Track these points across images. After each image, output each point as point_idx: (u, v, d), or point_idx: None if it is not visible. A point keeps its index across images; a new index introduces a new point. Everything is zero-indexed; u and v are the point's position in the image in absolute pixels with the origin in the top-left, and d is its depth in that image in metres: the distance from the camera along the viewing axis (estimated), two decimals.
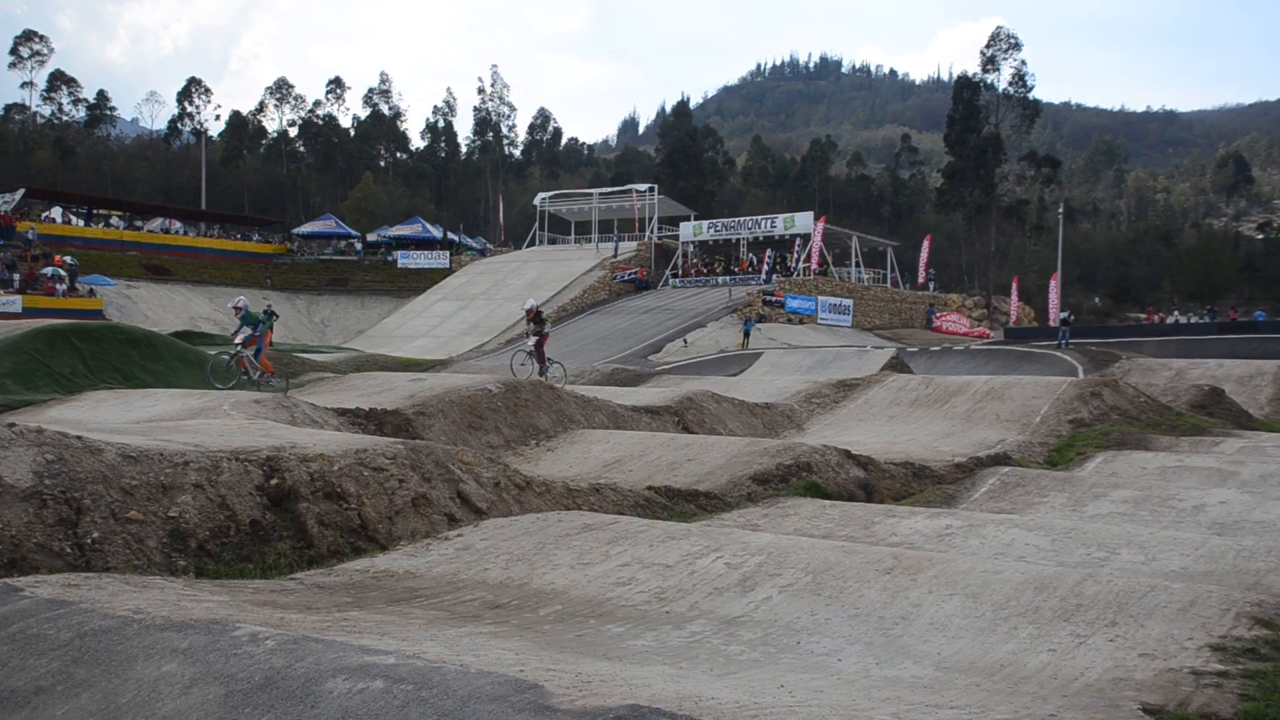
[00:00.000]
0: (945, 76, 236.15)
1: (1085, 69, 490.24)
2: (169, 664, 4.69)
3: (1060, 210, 70.25)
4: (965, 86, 77.41)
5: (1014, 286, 64.80)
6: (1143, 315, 67.94)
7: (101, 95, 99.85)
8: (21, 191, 60.00)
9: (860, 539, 9.30)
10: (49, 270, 48.15)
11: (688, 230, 67.42)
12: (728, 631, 6.28)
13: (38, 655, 4.92)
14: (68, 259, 50.42)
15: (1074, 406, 20.02)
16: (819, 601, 6.72)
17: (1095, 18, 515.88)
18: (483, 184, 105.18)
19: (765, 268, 60.83)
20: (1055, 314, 50.28)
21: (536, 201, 76.32)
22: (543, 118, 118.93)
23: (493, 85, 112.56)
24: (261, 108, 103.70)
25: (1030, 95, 76.65)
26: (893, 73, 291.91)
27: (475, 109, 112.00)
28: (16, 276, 46.55)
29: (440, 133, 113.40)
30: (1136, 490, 13.15)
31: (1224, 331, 45.17)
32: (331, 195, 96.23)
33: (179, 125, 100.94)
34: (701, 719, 3.99)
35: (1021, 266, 79.05)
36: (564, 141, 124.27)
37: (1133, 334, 48.22)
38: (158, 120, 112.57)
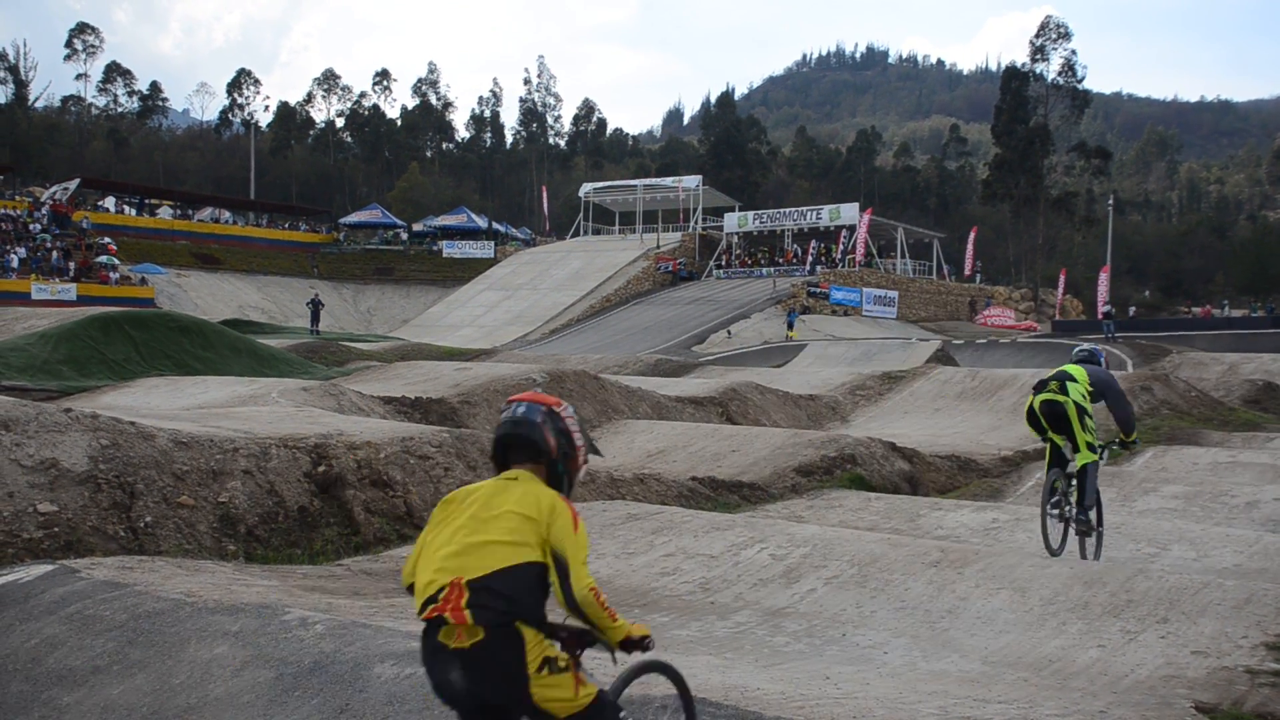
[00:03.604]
0: (993, 67, 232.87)
1: (1137, 59, 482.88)
2: (221, 646, 4.76)
3: (1110, 202, 69.19)
4: (1014, 77, 76.40)
5: (1061, 279, 63.97)
6: (1185, 309, 66.40)
7: (154, 86, 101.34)
8: (77, 181, 61.04)
9: (906, 532, 9.24)
10: (103, 259, 48.97)
11: (732, 221, 67.20)
12: (773, 623, 6.26)
13: (94, 635, 5.02)
14: (105, 240, 51.34)
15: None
16: (864, 594, 6.69)
17: (1148, 6, 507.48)
18: (528, 174, 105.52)
19: (810, 259, 60.50)
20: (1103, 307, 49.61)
21: (581, 192, 76.40)
22: (588, 108, 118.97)
23: (539, 76, 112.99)
24: (309, 99, 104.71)
25: (1080, 85, 75.49)
26: (940, 63, 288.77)
27: (521, 100, 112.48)
28: (72, 265, 47.37)
29: (486, 123, 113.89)
30: (1187, 486, 12.96)
31: (1279, 325, 44.30)
32: (378, 185, 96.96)
33: (229, 116, 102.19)
34: (748, 709, 3.99)
35: (1070, 259, 77.95)
36: (609, 132, 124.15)
37: (1184, 327, 47.43)
38: (208, 111, 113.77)
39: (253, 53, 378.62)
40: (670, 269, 62.23)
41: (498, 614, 2.93)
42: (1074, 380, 8.04)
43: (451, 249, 68.63)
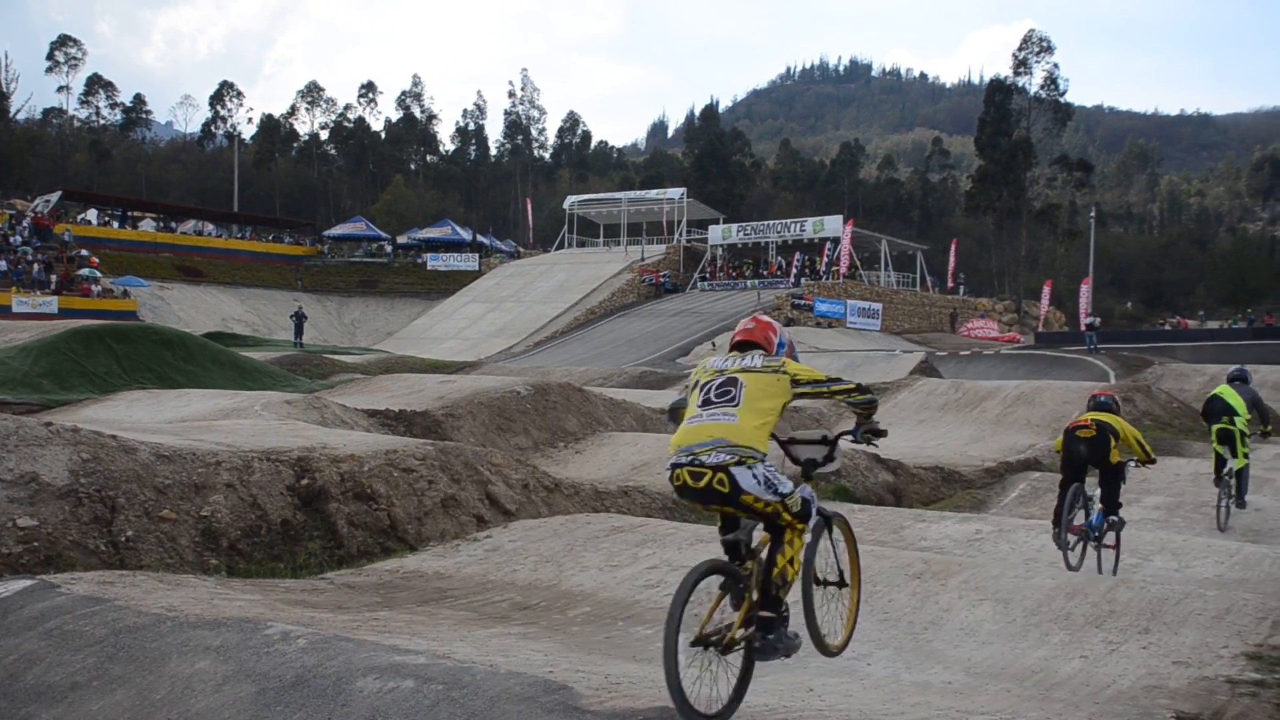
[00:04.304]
0: (976, 80, 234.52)
1: (1118, 72, 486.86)
2: (202, 661, 4.74)
3: (1092, 214, 69.62)
4: (997, 89, 76.88)
5: (1045, 291, 64.30)
6: (1162, 321, 66.52)
7: (138, 99, 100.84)
8: (58, 194, 60.77)
9: (889, 543, 9.26)
10: (85, 271, 48.74)
11: (716, 233, 67.33)
12: None
13: (74, 651, 4.98)
14: (83, 251, 51.24)
15: None
16: None
17: (1128, 20, 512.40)
18: (512, 187, 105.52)
19: (794, 271, 60.66)
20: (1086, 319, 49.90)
21: (566, 204, 76.47)
22: (572, 121, 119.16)
23: (523, 89, 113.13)
24: (293, 111, 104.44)
25: (1062, 98, 76.02)
26: (923, 76, 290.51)
27: (506, 112, 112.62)
28: (53, 277, 47.12)
29: (470, 136, 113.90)
30: (1169, 496, 13.04)
31: (1260, 337, 44.60)
32: (362, 198, 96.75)
33: (212, 128, 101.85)
34: None
35: (1052, 271, 78.40)
36: (593, 144, 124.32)
37: (1166, 339, 47.73)
38: (191, 124, 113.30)
39: (236, 65, 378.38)
40: (655, 281, 62.31)
41: (1102, 432, 9.06)
42: (1238, 414, 12.03)
43: (436, 261, 68.55)
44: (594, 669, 4.88)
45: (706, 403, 4.16)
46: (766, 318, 4.60)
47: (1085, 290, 55.44)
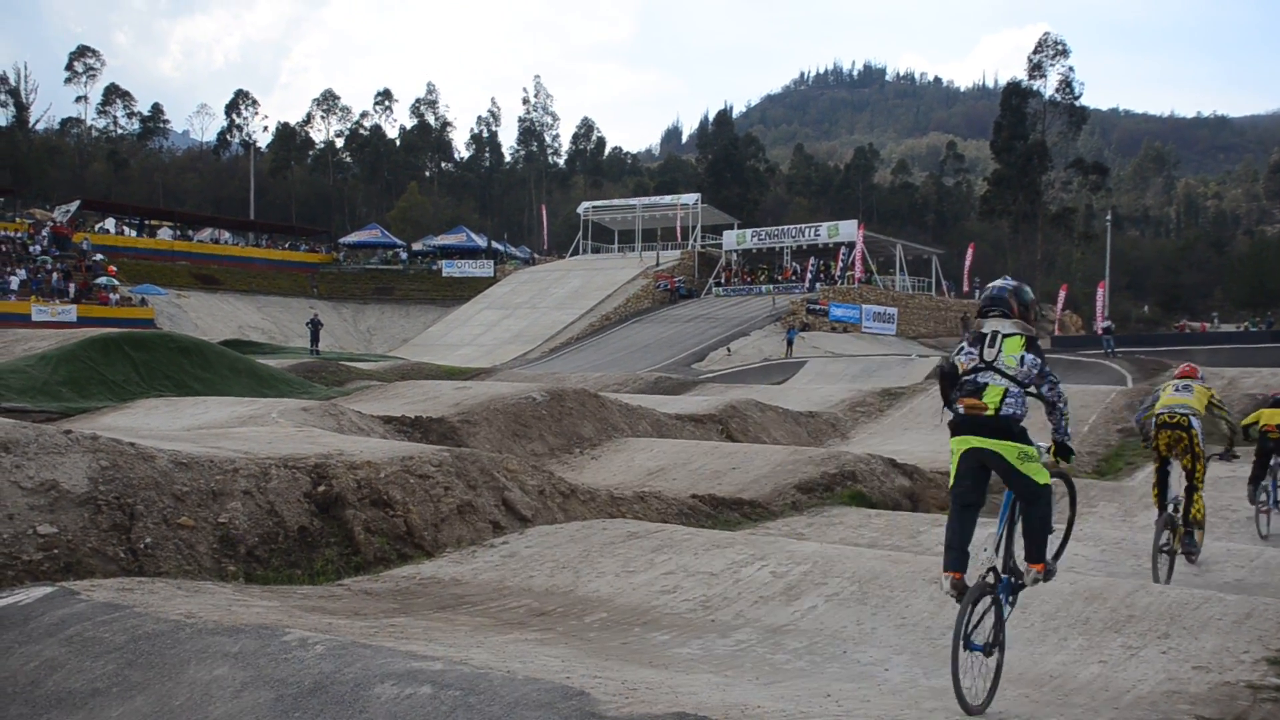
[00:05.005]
0: (990, 83, 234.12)
1: (1134, 75, 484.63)
2: (220, 668, 4.75)
3: (1108, 217, 69.34)
4: (1013, 93, 76.71)
5: (1061, 294, 64.02)
6: (1177, 324, 66.00)
7: (155, 108, 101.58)
8: (77, 203, 61.24)
9: (906, 548, 9.23)
10: (103, 280, 49.06)
11: (731, 239, 67.31)
12: (773, 640, 6.25)
13: (94, 658, 5.01)
14: (98, 257, 51.63)
15: (1123, 415, 19.75)
16: (865, 611, 6.68)
17: (1144, 22, 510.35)
18: (527, 193, 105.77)
19: (809, 276, 60.58)
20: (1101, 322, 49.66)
21: (580, 210, 76.58)
22: (586, 127, 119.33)
23: (537, 95, 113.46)
24: (309, 119, 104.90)
25: (1078, 102, 75.78)
26: (937, 80, 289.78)
27: (520, 119, 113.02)
28: (72, 286, 47.43)
29: (485, 142, 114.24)
30: None
31: (1279, 340, 44.30)
32: (377, 205, 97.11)
33: (228, 137, 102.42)
34: None
35: (1068, 274, 78.10)
36: (607, 150, 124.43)
37: (1184, 342, 47.45)
38: (208, 133, 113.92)
39: (252, 74, 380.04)
40: (669, 287, 62.31)
41: None
42: None
43: (451, 268, 68.74)
44: (611, 675, 4.88)
45: (1176, 390, 9.21)
46: (1192, 365, 9.99)
47: (1101, 294, 55.19)
